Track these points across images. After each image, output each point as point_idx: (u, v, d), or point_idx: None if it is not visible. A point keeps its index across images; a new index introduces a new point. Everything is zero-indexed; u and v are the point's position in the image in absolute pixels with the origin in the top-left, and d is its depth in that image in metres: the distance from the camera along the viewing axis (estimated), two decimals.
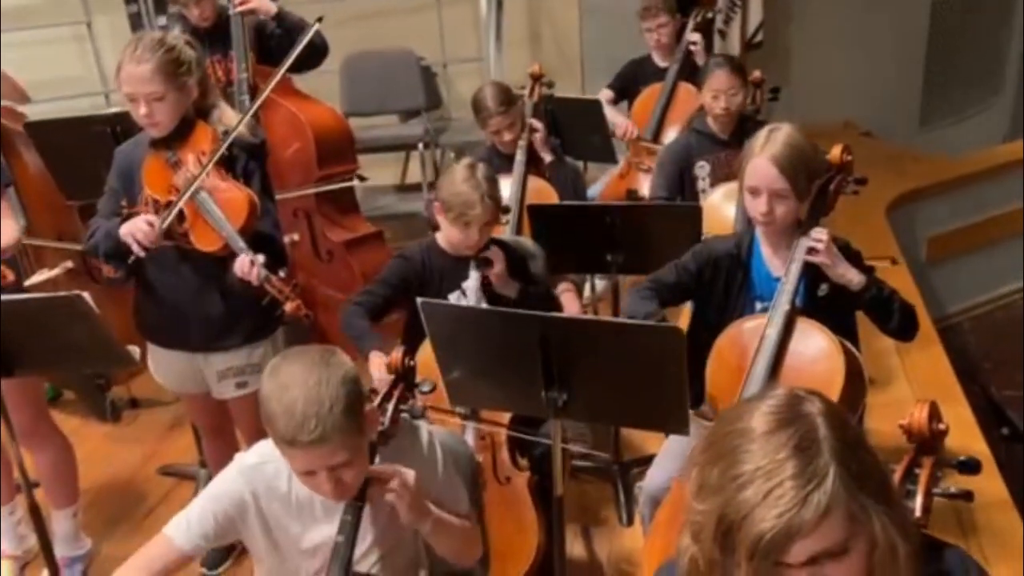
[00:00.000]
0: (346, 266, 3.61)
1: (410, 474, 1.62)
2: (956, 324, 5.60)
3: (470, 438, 2.44)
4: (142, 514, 3.24)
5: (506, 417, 2.60)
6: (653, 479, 2.38)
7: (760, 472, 1.03)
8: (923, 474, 1.27)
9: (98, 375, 3.74)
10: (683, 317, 2.69)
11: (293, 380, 1.49)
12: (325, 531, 1.67)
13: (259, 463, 1.70)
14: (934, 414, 1.31)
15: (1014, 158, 5.68)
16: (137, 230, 2.31)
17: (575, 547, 2.96)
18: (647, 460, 2.68)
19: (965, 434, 3.11)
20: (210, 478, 2.73)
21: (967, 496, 1.28)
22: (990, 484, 3.00)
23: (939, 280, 5.53)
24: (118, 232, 2.35)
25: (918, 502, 1.23)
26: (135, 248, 2.33)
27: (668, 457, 2.40)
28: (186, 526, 1.66)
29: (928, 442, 1.30)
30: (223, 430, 2.81)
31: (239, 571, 2.98)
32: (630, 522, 3.05)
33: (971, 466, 1.33)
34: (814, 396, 1.12)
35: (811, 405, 1.10)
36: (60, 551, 2.76)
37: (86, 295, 1.84)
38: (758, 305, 2.36)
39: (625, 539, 2.98)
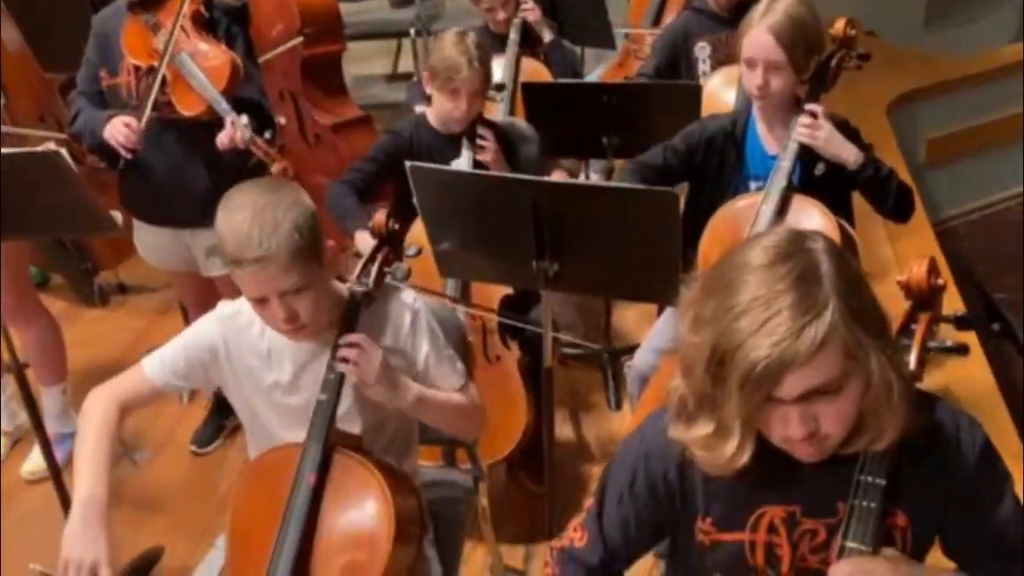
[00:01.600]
0: (333, 150, 3.53)
1: (376, 350, 1.58)
2: (952, 228, 5.57)
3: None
4: None
5: (496, 301, 2.58)
6: (642, 357, 2.38)
7: (757, 302, 1.01)
8: (919, 329, 1.25)
9: (84, 259, 3.70)
10: None
11: (242, 203, 1.49)
12: (297, 386, 1.66)
13: (235, 312, 1.69)
14: (933, 269, 1.28)
15: (1016, 59, 5.55)
16: (118, 133, 2.29)
17: (563, 430, 2.98)
18: (637, 348, 2.68)
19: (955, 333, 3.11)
20: None
21: (963, 350, 1.26)
22: (980, 374, 3.02)
23: (936, 183, 5.47)
24: (102, 134, 2.33)
25: (913, 356, 1.21)
26: (122, 152, 2.32)
27: (658, 336, 2.39)
28: (159, 362, 1.68)
29: (926, 297, 1.27)
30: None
31: (229, 451, 3.00)
32: (619, 406, 3.07)
33: (968, 321, 1.31)
34: (817, 234, 1.09)
35: (813, 242, 1.07)
36: (51, 427, 2.76)
37: (63, 151, 1.79)
38: (752, 185, 2.31)
39: (613, 422, 3.00)
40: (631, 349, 3.07)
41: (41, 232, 1.94)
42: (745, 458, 1.08)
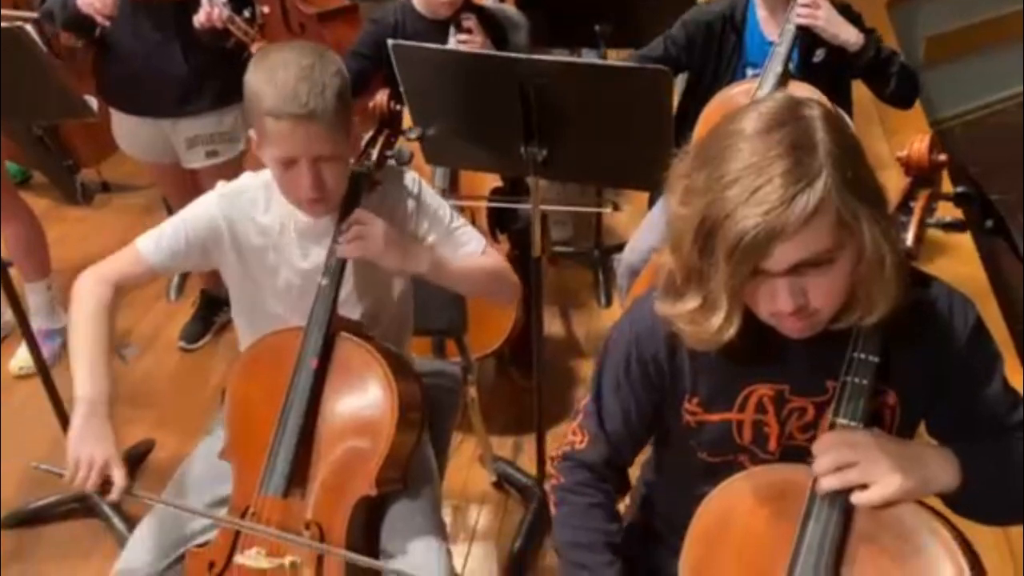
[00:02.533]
0: (318, 40, 3.42)
1: (377, 220, 1.54)
2: (948, 129, 5.50)
3: None
4: None
5: (486, 191, 2.54)
6: (633, 250, 2.35)
7: (749, 170, 0.97)
8: (918, 205, 1.22)
9: (66, 156, 3.62)
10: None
11: (286, 60, 1.44)
12: (300, 268, 1.63)
13: (238, 190, 1.64)
14: (934, 145, 1.23)
15: None
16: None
17: (553, 326, 2.98)
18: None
19: None
20: None
21: (961, 226, 1.23)
22: (972, 271, 3.01)
23: (934, 83, 5.37)
24: (76, 3, 2.23)
25: (911, 232, 1.18)
26: (99, 19, 2.23)
27: (649, 229, 2.36)
28: (155, 242, 1.61)
29: (926, 173, 1.24)
30: None
31: (218, 347, 3.00)
32: (608, 303, 3.06)
33: (967, 197, 1.27)
34: (813, 102, 1.04)
35: (809, 109, 1.03)
36: (37, 324, 2.74)
37: (29, 27, 1.70)
38: (749, 71, 2.26)
39: (603, 319, 3.00)
40: (623, 247, 3.05)
41: (9, 115, 1.86)
42: (732, 331, 1.06)
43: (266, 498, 1.49)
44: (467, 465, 2.51)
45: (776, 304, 1.04)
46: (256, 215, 1.62)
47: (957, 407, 1.19)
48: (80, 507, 2.37)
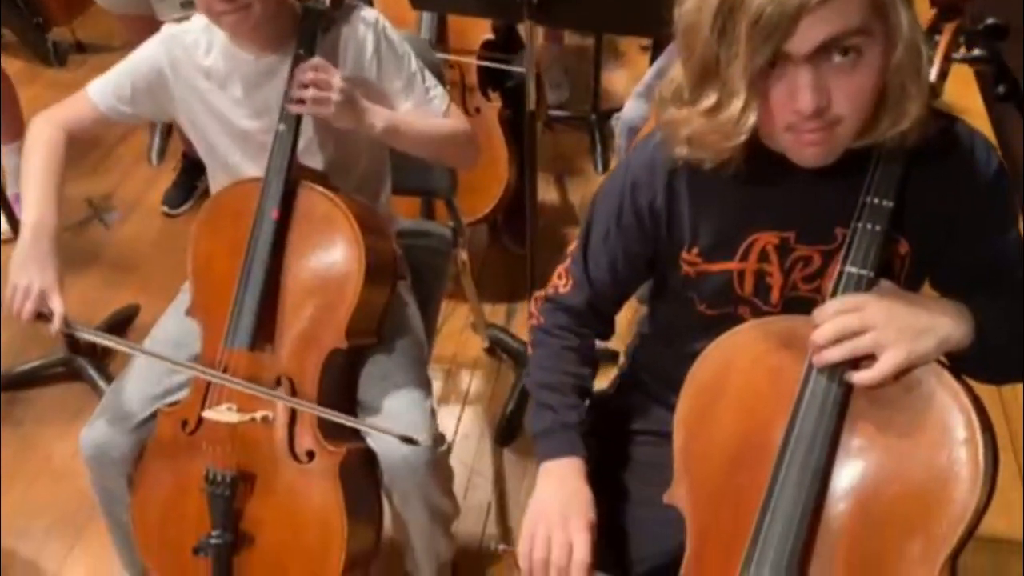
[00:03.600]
0: None
1: (333, 74, 1.42)
2: None
3: None
4: (98, 156, 3.11)
5: (477, 44, 2.40)
6: (632, 107, 2.24)
7: None
8: (943, 38, 1.11)
9: (34, 13, 3.44)
10: None
11: None
12: (251, 112, 1.54)
13: (179, 31, 1.54)
14: None
15: None
16: None
17: (548, 192, 2.89)
18: None
19: (961, 89, 2.96)
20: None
21: (986, 60, 1.13)
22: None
23: None
24: None
25: (936, 66, 1.08)
26: None
27: (648, 86, 2.24)
28: (104, 87, 1.56)
29: (952, 5, 1.13)
30: None
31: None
32: (605, 169, 2.97)
33: (998, 31, 1.17)
34: None
35: None
36: (12, 188, 2.65)
37: None
38: None
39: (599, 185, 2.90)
40: (620, 111, 2.93)
41: None
42: (751, 121, 0.96)
43: (232, 351, 1.44)
44: (459, 331, 2.47)
45: (797, 102, 0.94)
46: (198, 57, 1.52)
47: (968, 258, 1.12)
48: (65, 371, 2.34)
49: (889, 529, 0.99)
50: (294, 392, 1.45)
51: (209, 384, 1.48)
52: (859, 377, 1.00)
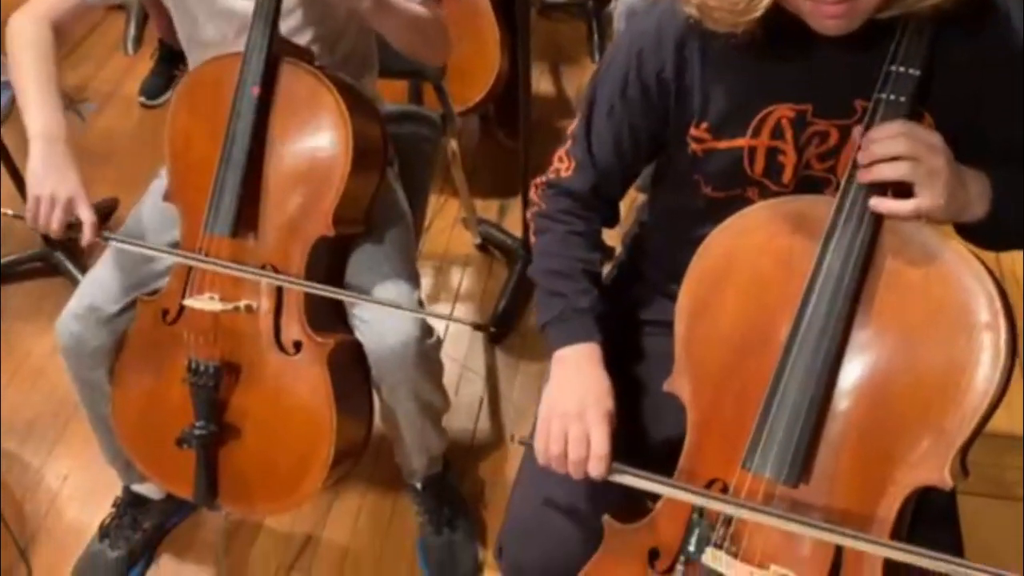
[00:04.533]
0: None
1: None
2: None
3: None
4: (71, 45, 2.97)
5: None
6: None
7: None
8: None
9: None
10: None
11: None
12: None
13: None
14: None
15: None
16: None
17: (542, 84, 2.78)
18: None
19: None
20: None
21: None
22: None
23: None
24: None
25: None
26: None
27: None
28: None
29: None
30: None
31: None
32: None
33: None
34: None
35: None
36: None
37: None
38: None
39: None
40: None
41: None
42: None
43: (213, 238, 1.38)
44: (450, 227, 2.40)
45: None
46: None
47: (993, 132, 1.04)
48: (43, 265, 2.27)
49: (901, 419, 0.94)
50: None
51: (190, 272, 1.41)
52: (888, 206, 0.95)
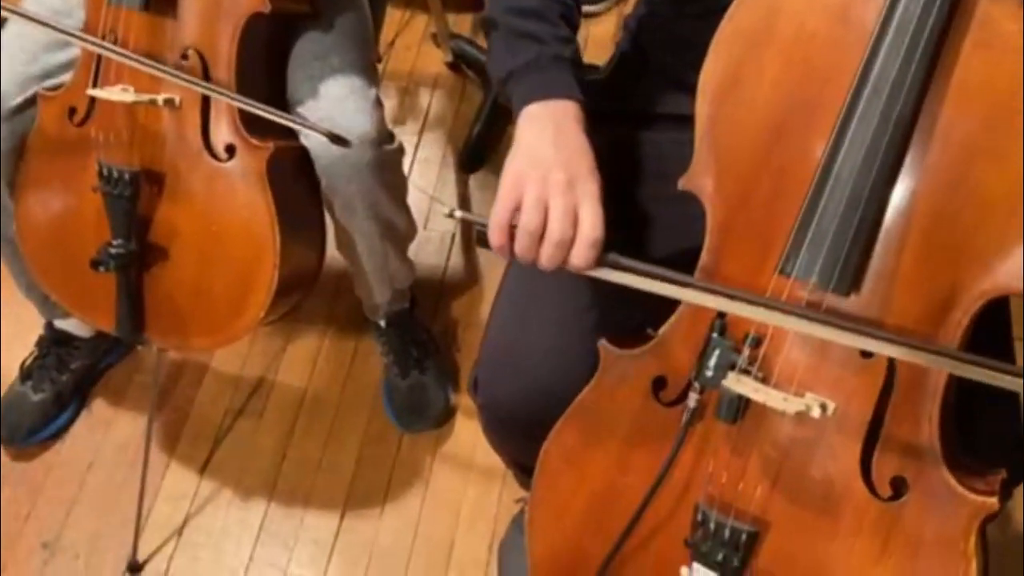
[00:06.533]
0: None
1: None
2: None
3: None
4: None
5: None
6: None
7: None
8: None
9: None
10: None
11: None
12: None
13: None
14: None
15: None
16: None
17: None
18: None
19: None
20: None
21: None
22: None
23: None
24: None
25: None
26: None
27: None
28: None
29: None
30: None
31: None
32: None
33: None
34: None
35: None
36: None
37: None
38: None
39: None
40: None
41: None
42: None
43: (120, 11, 1.13)
44: (418, 43, 2.12)
45: None
46: None
47: None
48: None
49: (980, 212, 0.74)
50: (205, 70, 1.14)
51: (100, 60, 1.16)
52: None
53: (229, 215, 1.17)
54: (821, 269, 0.76)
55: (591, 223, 0.80)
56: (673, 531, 0.88)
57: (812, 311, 0.76)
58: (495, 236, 0.81)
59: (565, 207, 0.80)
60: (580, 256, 0.79)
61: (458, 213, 0.84)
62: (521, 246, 0.80)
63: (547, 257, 0.80)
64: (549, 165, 0.81)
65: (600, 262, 0.80)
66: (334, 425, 1.57)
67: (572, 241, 0.79)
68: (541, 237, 0.80)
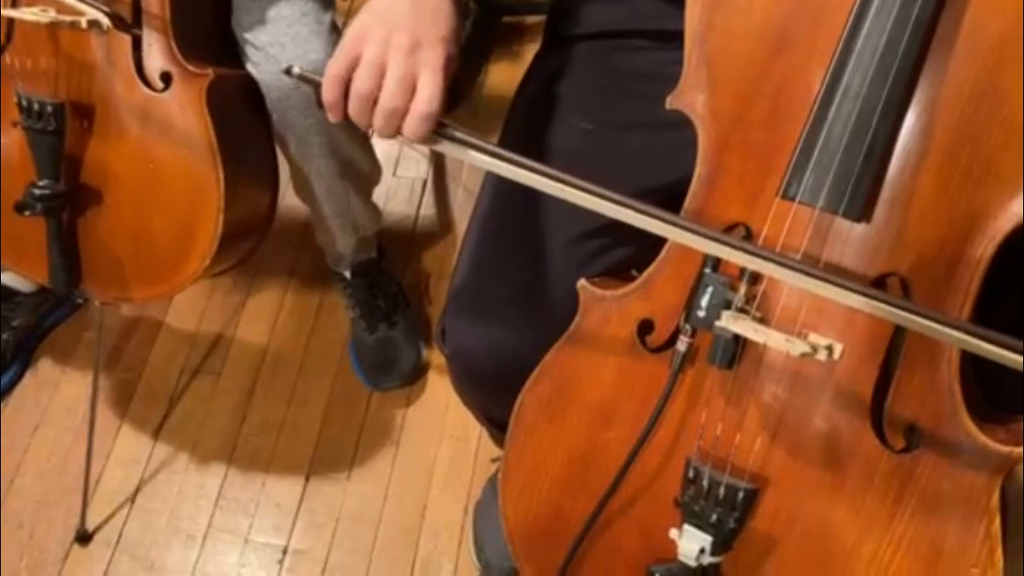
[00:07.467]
0: None
1: None
2: None
3: None
4: None
5: None
6: None
7: None
8: None
9: None
10: None
11: None
12: None
13: None
14: None
15: None
16: None
17: None
18: None
19: None
20: None
21: None
22: None
23: None
24: None
25: None
26: None
27: None
28: None
29: None
30: None
31: None
32: None
33: None
34: None
35: None
36: None
37: None
38: None
39: None
40: None
41: None
42: None
43: None
44: None
45: None
46: None
47: None
48: None
49: (1008, 124, 0.65)
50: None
51: None
52: None
53: (167, 151, 1.05)
54: (829, 191, 0.66)
55: (426, 96, 0.72)
56: (662, 490, 0.79)
57: (814, 251, 0.66)
58: (326, 91, 0.74)
59: (403, 75, 0.72)
60: (411, 128, 0.72)
61: (296, 69, 0.76)
62: (352, 108, 0.73)
63: (379, 125, 0.73)
64: (397, 25, 0.73)
65: (435, 137, 0.73)
66: (297, 384, 1.47)
67: (405, 111, 0.72)
68: (376, 103, 0.72)
